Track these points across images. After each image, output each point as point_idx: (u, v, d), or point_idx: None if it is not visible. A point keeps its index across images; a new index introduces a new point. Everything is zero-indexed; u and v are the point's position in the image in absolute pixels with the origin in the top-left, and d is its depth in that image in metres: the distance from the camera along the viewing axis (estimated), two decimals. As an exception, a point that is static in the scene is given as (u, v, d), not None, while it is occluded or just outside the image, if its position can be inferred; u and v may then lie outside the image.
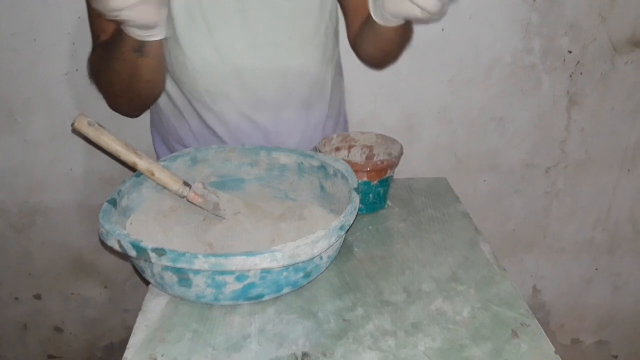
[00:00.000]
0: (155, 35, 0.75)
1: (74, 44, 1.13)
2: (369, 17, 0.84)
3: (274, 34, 0.87)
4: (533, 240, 1.43)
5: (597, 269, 1.48)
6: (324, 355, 0.61)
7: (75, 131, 0.74)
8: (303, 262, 0.64)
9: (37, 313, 1.42)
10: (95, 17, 0.86)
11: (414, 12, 0.72)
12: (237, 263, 0.60)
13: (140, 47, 0.76)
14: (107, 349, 1.48)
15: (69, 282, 1.39)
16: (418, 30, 1.18)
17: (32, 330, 1.45)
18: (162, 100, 0.95)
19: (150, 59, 0.78)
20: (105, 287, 1.41)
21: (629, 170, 1.37)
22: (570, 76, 1.26)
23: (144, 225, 0.76)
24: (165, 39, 0.77)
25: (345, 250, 0.81)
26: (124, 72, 0.81)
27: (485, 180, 1.35)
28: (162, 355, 0.62)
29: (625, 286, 1.50)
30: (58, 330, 1.45)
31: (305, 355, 0.62)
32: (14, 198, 1.27)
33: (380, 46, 0.91)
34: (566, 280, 1.49)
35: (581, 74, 1.26)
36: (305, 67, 0.90)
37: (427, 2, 0.69)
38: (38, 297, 1.40)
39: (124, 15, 0.67)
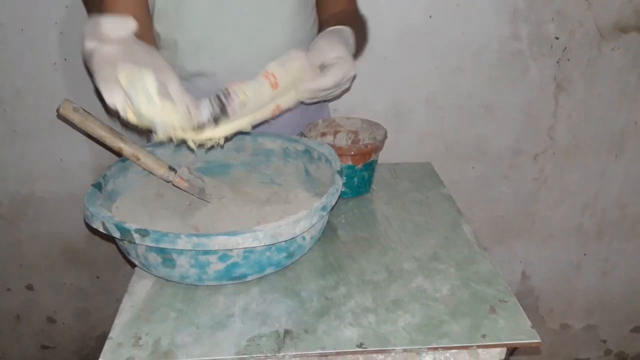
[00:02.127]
0: None
1: (61, 33, 1.14)
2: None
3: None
4: (521, 226, 1.44)
5: (585, 254, 1.49)
6: (306, 332, 0.62)
7: (61, 116, 0.75)
8: (285, 242, 0.65)
9: (29, 303, 1.43)
10: None
11: None
12: (219, 242, 0.61)
13: None
14: (100, 339, 1.49)
15: (60, 273, 1.40)
16: (405, 16, 1.19)
17: (25, 320, 1.46)
18: None
19: None
20: (97, 277, 1.42)
21: (616, 156, 1.38)
22: (557, 62, 1.27)
23: (130, 209, 0.77)
24: None
25: (329, 233, 0.82)
26: None
27: (473, 167, 1.36)
28: (146, 334, 0.63)
29: (613, 271, 1.51)
30: (51, 320, 1.46)
31: (287, 332, 0.63)
32: (4, 189, 1.28)
33: None
34: (555, 266, 1.50)
35: (568, 60, 1.27)
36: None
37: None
38: (30, 287, 1.41)
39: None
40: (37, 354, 1.51)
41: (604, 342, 1.62)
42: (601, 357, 1.66)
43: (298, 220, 0.64)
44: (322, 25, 0.95)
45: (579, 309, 1.56)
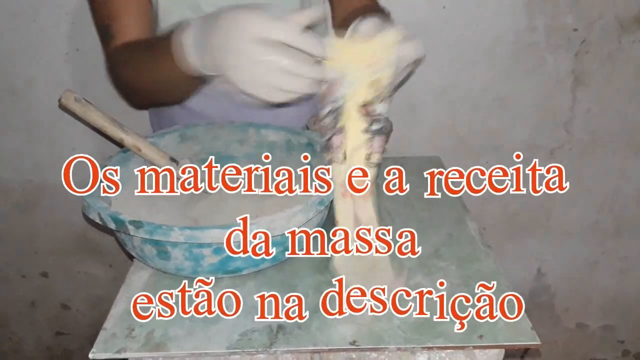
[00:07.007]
0: None
1: (73, 23, 1.14)
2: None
3: None
4: (536, 222, 1.41)
5: (603, 252, 1.45)
6: (299, 327, 0.62)
7: (62, 107, 0.75)
8: (280, 236, 0.65)
9: (44, 290, 1.46)
10: (100, 5, 0.80)
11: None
12: (213, 235, 0.61)
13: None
14: (112, 327, 1.51)
15: (74, 261, 1.42)
16: (419, 7, 1.17)
17: (40, 307, 1.48)
18: None
19: None
20: (110, 266, 1.44)
21: (635, 152, 1.33)
22: (576, 55, 1.23)
23: (130, 200, 0.77)
24: None
25: (330, 228, 0.80)
26: (177, 90, 0.78)
27: (487, 162, 1.33)
28: (140, 326, 0.63)
29: (632, 270, 1.47)
30: (65, 307, 1.49)
31: (280, 327, 0.62)
32: (17, 177, 1.30)
33: None
34: (571, 263, 1.46)
35: (587, 52, 1.23)
36: None
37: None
38: (44, 275, 1.43)
39: None
40: (52, 340, 1.54)
41: (622, 342, 1.58)
42: (619, 358, 1.62)
43: (293, 214, 0.63)
44: (342, 23, 0.92)
45: (596, 308, 1.53)
